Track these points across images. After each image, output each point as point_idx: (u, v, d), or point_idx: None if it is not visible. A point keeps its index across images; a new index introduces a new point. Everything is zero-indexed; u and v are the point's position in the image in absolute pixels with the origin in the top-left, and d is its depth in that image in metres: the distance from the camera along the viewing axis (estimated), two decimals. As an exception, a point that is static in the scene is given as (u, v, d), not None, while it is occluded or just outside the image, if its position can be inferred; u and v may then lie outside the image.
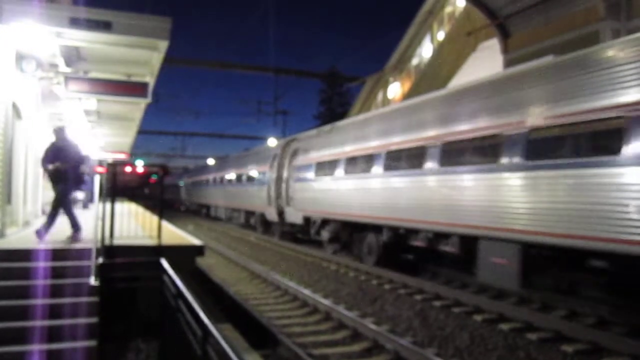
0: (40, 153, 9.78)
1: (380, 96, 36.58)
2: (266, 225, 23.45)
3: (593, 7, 17.54)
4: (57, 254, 7.77)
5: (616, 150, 7.34)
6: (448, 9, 30.28)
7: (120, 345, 7.02)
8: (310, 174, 17.62)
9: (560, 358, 7.02)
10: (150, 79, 12.23)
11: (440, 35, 30.93)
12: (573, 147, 8.19)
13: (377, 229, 13.52)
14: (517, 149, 8.99)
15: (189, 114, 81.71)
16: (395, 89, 34.62)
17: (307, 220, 17.83)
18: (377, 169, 13.33)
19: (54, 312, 6.80)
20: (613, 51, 8.08)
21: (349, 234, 15.41)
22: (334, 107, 57.45)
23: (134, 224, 10.30)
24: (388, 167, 12.92)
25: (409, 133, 12.30)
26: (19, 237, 9.53)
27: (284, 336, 7.90)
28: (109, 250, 7.79)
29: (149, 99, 12.21)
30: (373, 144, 13.77)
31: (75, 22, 8.99)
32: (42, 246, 7.89)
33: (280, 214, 20.61)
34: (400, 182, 12.42)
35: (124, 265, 7.74)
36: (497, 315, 8.90)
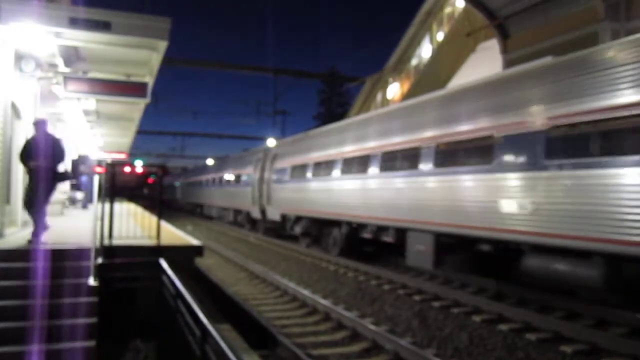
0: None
1: (379, 96, 36.59)
2: (252, 222, 25.49)
3: (592, 8, 17.55)
4: (56, 254, 7.75)
5: (488, 160, 9.63)
6: (447, 10, 30.30)
7: (119, 345, 7.02)
8: (286, 177, 19.92)
9: (559, 358, 7.02)
10: (149, 79, 12.23)
11: (440, 36, 30.95)
12: (460, 158, 10.59)
13: (339, 224, 15.71)
14: (429, 158, 11.29)
15: (188, 114, 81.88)
16: (394, 90, 34.63)
17: (284, 217, 20.05)
18: (336, 172, 15.57)
19: (53, 312, 6.79)
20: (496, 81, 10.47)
21: (318, 229, 17.42)
22: (333, 107, 57.50)
23: (133, 224, 10.30)
24: (343, 172, 15.19)
25: (357, 144, 14.89)
26: (18, 237, 9.52)
27: (283, 336, 7.89)
28: (108, 251, 7.79)
29: (148, 99, 12.21)
30: (332, 152, 16.22)
31: (74, 22, 8.99)
32: (41, 246, 7.89)
33: (263, 212, 22.64)
34: (352, 185, 14.66)
35: (123, 266, 7.74)
36: (496, 315, 8.90)
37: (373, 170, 13.58)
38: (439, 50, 30.13)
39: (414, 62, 33.60)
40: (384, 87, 35.81)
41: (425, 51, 32.35)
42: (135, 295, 7.45)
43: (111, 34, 9.29)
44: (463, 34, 25.53)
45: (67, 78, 11.31)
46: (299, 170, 18.71)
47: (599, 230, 7.42)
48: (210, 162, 45.35)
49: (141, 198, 41.08)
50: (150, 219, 10.26)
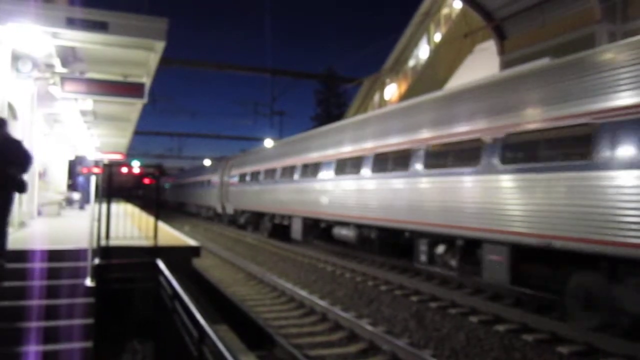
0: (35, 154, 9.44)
1: (377, 97, 36.64)
2: (218, 216, 32.35)
3: (589, 10, 17.60)
4: (52, 255, 7.74)
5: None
6: (445, 11, 30.35)
7: (116, 346, 7.00)
8: (236, 181, 27.50)
9: (556, 359, 7.03)
10: (146, 80, 12.22)
11: (437, 37, 31.01)
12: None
13: (266, 215, 22.63)
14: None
15: (186, 114, 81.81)
16: (392, 91, 34.68)
17: (236, 211, 27.73)
18: (261, 179, 23.06)
19: (49, 313, 6.78)
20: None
21: (255, 219, 24.49)
22: (330, 108, 57.46)
23: (130, 224, 10.28)
24: (264, 179, 22.58)
25: (271, 162, 22.23)
26: (15, 238, 9.48)
27: (280, 337, 7.89)
28: (105, 251, 7.77)
29: (145, 100, 12.19)
30: (258, 166, 23.94)
31: (71, 23, 8.97)
32: (37, 247, 7.87)
33: (223, 208, 30.23)
34: (270, 188, 21.69)
35: (120, 266, 7.71)
36: (493, 316, 8.92)
37: (279, 178, 20.64)
38: (437, 51, 30.18)
39: (411, 63, 33.65)
40: (382, 88, 35.86)
41: (423, 52, 32.40)
42: (132, 296, 7.43)
43: (108, 34, 9.27)
44: (460, 35, 25.59)
45: (64, 78, 11.29)
46: (242, 177, 26.34)
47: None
48: (192, 165, 52.13)
49: (138, 199, 41.24)
50: (148, 220, 10.25)
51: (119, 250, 7.94)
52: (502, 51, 22.05)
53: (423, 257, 11.36)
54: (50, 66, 11.10)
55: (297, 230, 18.18)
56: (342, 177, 15.19)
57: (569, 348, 7.21)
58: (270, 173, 21.69)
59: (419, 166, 11.61)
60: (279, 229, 20.94)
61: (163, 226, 11.76)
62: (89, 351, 6.36)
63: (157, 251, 8.00)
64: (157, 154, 67.60)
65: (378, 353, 7.45)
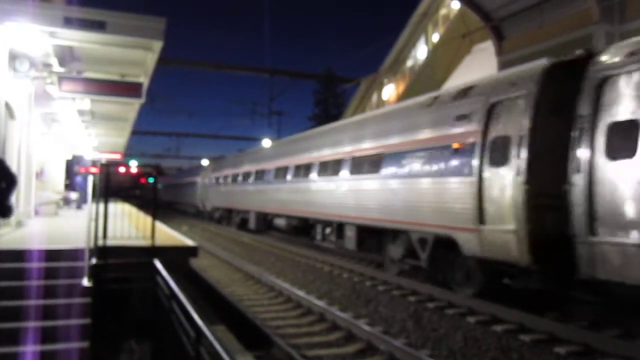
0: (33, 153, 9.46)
1: (375, 97, 36.66)
2: (200, 213, 37.60)
3: (587, 10, 17.62)
4: (49, 255, 7.73)
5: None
6: (443, 11, 30.38)
7: (113, 346, 7.00)
8: (213, 182, 33.19)
9: (553, 359, 7.04)
10: (144, 79, 12.20)
11: (435, 37, 31.03)
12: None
13: (234, 211, 27.98)
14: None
15: (184, 114, 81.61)
16: (389, 91, 34.70)
17: (212, 208, 33.31)
18: (229, 182, 28.92)
19: (46, 313, 6.77)
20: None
21: (228, 214, 29.83)
22: (329, 108, 57.36)
23: (127, 224, 10.26)
24: (231, 182, 28.40)
25: (236, 168, 28.04)
26: (12, 237, 9.47)
27: (278, 337, 7.89)
28: (102, 251, 7.76)
29: (143, 100, 12.17)
30: (228, 171, 29.86)
31: (69, 22, 8.95)
32: (35, 247, 7.85)
33: (204, 206, 35.80)
34: (236, 189, 27.24)
35: (117, 266, 7.71)
36: (490, 316, 8.92)
37: (240, 182, 26.51)
38: (435, 52, 30.21)
39: (409, 63, 33.68)
40: (380, 88, 35.88)
41: (421, 52, 32.43)
42: (130, 296, 7.43)
43: (106, 33, 9.25)
44: (458, 35, 25.58)
45: (61, 78, 11.26)
46: (217, 180, 32.28)
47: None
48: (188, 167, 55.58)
49: (135, 198, 41.27)
50: (145, 220, 10.24)
51: (117, 250, 7.93)
52: (500, 52, 22.05)
53: (318, 236, 16.77)
54: (47, 65, 11.07)
55: (252, 222, 23.92)
56: (276, 183, 21.05)
57: (567, 348, 7.22)
58: (235, 177, 27.84)
59: (314, 174, 17.05)
60: (245, 222, 25.49)
61: (160, 226, 11.75)
62: (86, 351, 6.35)
63: (155, 251, 7.99)
64: (155, 153, 67.61)
65: (376, 353, 7.45)
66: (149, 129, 58.17)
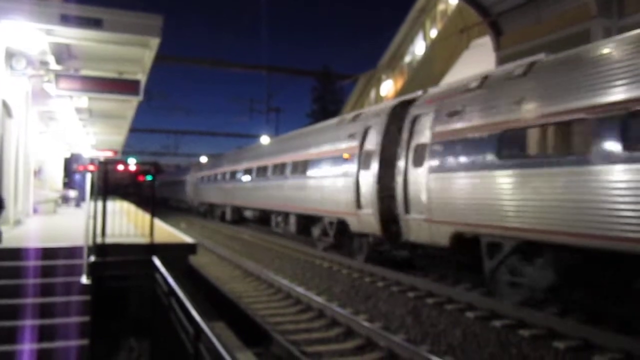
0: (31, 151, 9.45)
1: (373, 94, 36.62)
2: (190, 208, 41.17)
3: (585, 5, 17.61)
4: (48, 253, 7.72)
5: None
6: (441, 7, 30.32)
7: (112, 343, 7.00)
8: (199, 181, 37.55)
9: (552, 354, 7.05)
10: (141, 77, 12.18)
11: (433, 33, 30.97)
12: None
13: (215, 205, 32.09)
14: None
15: (182, 112, 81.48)
16: (387, 87, 34.65)
17: (199, 203, 37.25)
18: (211, 181, 32.95)
19: (45, 311, 6.77)
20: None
21: (211, 209, 33.61)
22: (326, 104, 57.33)
23: (126, 222, 10.25)
24: (210, 181, 33.23)
25: (221, 168, 31.10)
26: (10, 236, 9.46)
27: (277, 334, 7.89)
28: (101, 249, 7.75)
29: (140, 97, 12.15)
30: (209, 172, 34.37)
31: (65, 19, 8.93)
32: (33, 245, 7.85)
33: (192, 201, 40.13)
34: (214, 187, 32.26)
35: (116, 264, 7.70)
36: (489, 312, 8.92)
37: (218, 180, 30.92)
38: (433, 47, 30.16)
39: (407, 59, 33.63)
40: (378, 85, 35.84)
41: (419, 48, 32.38)
42: (129, 294, 7.42)
43: (103, 31, 9.23)
44: (456, 31, 25.54)
45: (58, 76, 11.24)
46: (202, 179, 36.58)
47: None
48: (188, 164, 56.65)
49: (134, 196, 41.51)
50: (144, 217, 10.23)
51: (115, 248, 7.92)
52: (498, 47, 22.02)
53: (274, 224, 20.70)
54: (44, 63, 11.04)
55: (228, 214, 28.52)
56: (244, 182, 25.41)
57: (565, 343, 7.22)
58: (215, 177, 32.14)
59: (269, 175, 21.21)
60: (224, 214, 29.52)
61: (159, 223, 11.74)
62: (85, 349, 6.35)
63: (153, 249, 7.99)
64: (153, 151, 67.58)
65: (375, 349, 7.46)
66: (146, 127, 58.12)
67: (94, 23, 9.08)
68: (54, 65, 11.17)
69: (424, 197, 10.64)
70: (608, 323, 8.07)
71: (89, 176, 9.31)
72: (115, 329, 7.08)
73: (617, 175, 6.94)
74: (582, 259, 7.89)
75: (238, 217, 27.60)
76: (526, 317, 8.34)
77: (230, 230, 26.04)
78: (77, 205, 20.90)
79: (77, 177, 22.22)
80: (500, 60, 20.57)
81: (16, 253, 7.57)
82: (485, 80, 9.96)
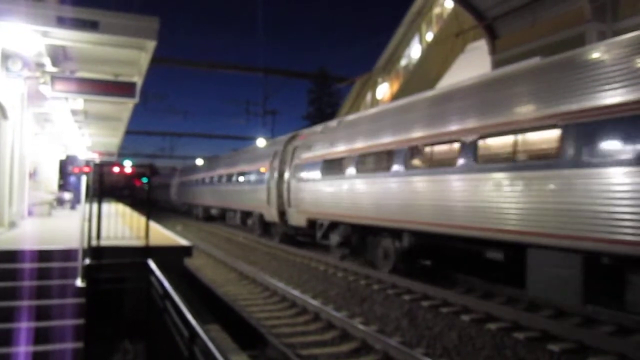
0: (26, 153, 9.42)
1: (369, 96, 36.66)
2: (176, 208, 45.64)
3: (579, 9, 17.69)
4: (42, 255, 7.70)
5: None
6: (436, 10, 30.41)
7: (107, 346, 6.97)
8: (181, 184, 42.57)
9: (547, 357, 7.07)
10: (138, 79, 12.16)
11: (429, 36, 31.05)
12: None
13: (197, 206, 35.98)
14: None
15: (178, 114, 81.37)
16: (384, 90, 34.71)
17: (182, 204, 42.21)
18: (197, 184, 35.65)
19: (39, 313, 6.75)
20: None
21: (189, 207, 38.94)
22: (323, 107, 57.42)
23: (121, 224, 10.24)
24: (195, 184, 36.43)
25: (198, 174, 36.57)
26: (4, 238, 9.44)
27: (272, 337, 7.89)
28: (96, 251, 7.73)
29: (136, 99, 12.14)
30: (192, 177, 38.24)
31: (61, 21, 8.92)
32: (27, 247, 7.82)
33: (177, 201, 44.45)
34: (197, 189, 35.75)
35: (111, 267, 7.68)
36: (484, 314, 8.95)
37: (192, 184, 36.89)
38: (428, 51, 30.23)
39: (403, 62, 33.70)
40: (374, 87, 35.89)
41: (415, 51, 32.45)
42: (123, 296, 7.40)
43: (99, 33, 9.22)
44: (452, 34, 25.63)
45: (54, 78, 11.22)
46: (182, 183, 42.15)
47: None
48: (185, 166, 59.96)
49: (129, 198, 41.53)
50: (139, 220, 10.21)
51: (110, 251, 7.91)
52: (493, 50, 22.10)
53: (231, 219, 27.11)
54: (40, 65, 11.03)
55: (200, 212, 35.28)
56: (209, 185, 32.04)
57: (560, 346, 7.25)
58: (191, 181, 38.03)
59: (224, 180, 28.16)
60: (198, 213, 35.87)
61: (154, 226, 11.72)
62: (79, 352, 6.33)
63: (149, 251, 7.98)
64: (149, 153, 67.50)
65: (370, 352, 7.46)
66: (142, 129, 58.05)
67: (90, 25, 9.07)
68: (49, 67, 11.15)
69: (296, 197, 17.51)
70: (603, 325, 8.11)
71: (84, 178, 9.27)
72: (110, 332, 7.06)
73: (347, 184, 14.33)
74: (352, 229, 14.14)
75: (207, 214, 33.51)
76: (521, 320, 8.37)
77: (226, 232, 26.01)
78: (72, 207, 20.84)
79: (73, 179, 22.17)
80: (496, 64, 20.64)
81: (11, 255, 7.54)
82: (324, 127, 17.34)
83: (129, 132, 33.67)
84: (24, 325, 6.45)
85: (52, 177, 23.74)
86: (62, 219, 15.44)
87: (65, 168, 25.53)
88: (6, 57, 10.19)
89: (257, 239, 22.05)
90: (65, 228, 11.41)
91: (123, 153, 52.72)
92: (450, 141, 10.27)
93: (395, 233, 12.09)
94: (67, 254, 7.82)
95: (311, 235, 16.92)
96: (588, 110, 7.50)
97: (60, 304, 6.95)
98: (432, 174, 10.77)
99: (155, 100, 44.68)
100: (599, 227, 7.14)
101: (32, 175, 16.44)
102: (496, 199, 8.99)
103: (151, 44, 9.88)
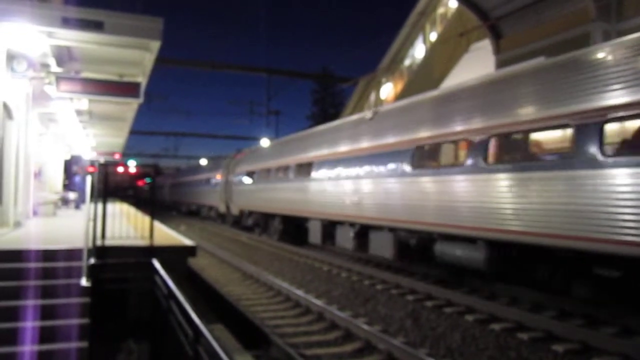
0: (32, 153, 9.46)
1: (372, 97, 36.65)
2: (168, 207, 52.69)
3: (584, 9, 17.64)
4: (48, 255, 7.73)
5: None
6: (440, 10, 30.36)
7: (111, 346, 7.00)
8: (173, 185, 50.15)
9: (551, 357, 7.06)
10: (142, 79, 12.21)
11: (433, 36, 31.00)
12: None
13: (182, 204, 45.05)
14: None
15: (181, 114, 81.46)
16: (387, 90, 34.69)
17: (174, 202, 48.21)
18: (184, 185, 44.49)
19: (45, 313, 6.78)
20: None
21: (178, 204, 46.87)
22: (326, 107, 57.51)
23: (126, 224, 10.26)
24: (181, 186, 46.22)
25: (189, 177, 43.21)
26: (10, 237, 9.48)
27: (276, 336, 7.90)
28: (100, 251, 7.76)
29: (141, 99, 12.18)
30: (182, 178, 47.15)
31: (66, 22, 8.96)
32: (32, 247, 7.85)
33: (169, 200, 50.95)
34: (183, 189, 44.96)
35: (116, 266, 7.71)
36: (488, 315, 8.94)
37: (183, 187, 44.41)
38: (432, 51, 30.19)
39: (407, 62, 33.66)
40: (378, 88, 35.88)
41: (419, 51, 32.41)
42: (128, 296, 7.43)
43: (104, 33, 9.26)
44: (456, 34, 25.56)
45: (59, 78, 11.27)
46: (173, 184, 49.60)
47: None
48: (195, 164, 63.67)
49: (133, 198, 41.71)
50: (144, 220, 10.24)
51: (115, 250, 7.93)
52: (497, 50, 22.05)
53: (204, 213, 35.79)
54: (45, 66, 11.07)
55: (182, 209, 43.23)
56: (188, 187, 40.98)
57: (564, 346, 7.24)
58: (182, 183, 44.51)
59: (201, 184, 36.49)
60: (187, 209, 42.63)
61: (159, 226, 11.75)
62: (84, 351, 6.35)
63: (153, 251, 8.00)
64: (153, 153, 67.66)
65: (374, 352, 7.47)
66: (146, 129, 58.20)
67: (95, 25, 9.10)
68: (54, 68, 11.20)
69: (232, 196, 26.49)
70: (607, 326, 8.09)
71: (88, 178, 9.29)
72: (114, 331, 7.08)
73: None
74: (261, 215, 22.37)
75: (189, 209, 41.50)
76: (525, 320, 8.36)
77: (230, 232, 26.06)
78: (77, 207, 20.90)
79: (78, 179, 22.22)
80: (500, 64, 20.60)
81: (16, 255, 7.57)
82: (250, 150, 26.05)
83: (133, 132, 33.73)
84: (29, 325, 6.47)
85: (56, 177, 23.82)
86: (66, 218, 15.49)
87: (69, 168, 25.60)
88: (11, 57, 10.24)
89: (259, 239, 22.09)
90: (70, 228, 11.45)
91: (127, 153, 52.96)
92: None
93: (280, 216, 20.00)
94: (71, 254, 7.84)
95: (241, 220, 25.87)
96: None
97: (65, 303, 6.97)
98: (295, 181, 18.33)
99: (159, 100, 44.65)
100: None
101: (37, 175, 16.49)
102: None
103: (155, 44, 9.91)
